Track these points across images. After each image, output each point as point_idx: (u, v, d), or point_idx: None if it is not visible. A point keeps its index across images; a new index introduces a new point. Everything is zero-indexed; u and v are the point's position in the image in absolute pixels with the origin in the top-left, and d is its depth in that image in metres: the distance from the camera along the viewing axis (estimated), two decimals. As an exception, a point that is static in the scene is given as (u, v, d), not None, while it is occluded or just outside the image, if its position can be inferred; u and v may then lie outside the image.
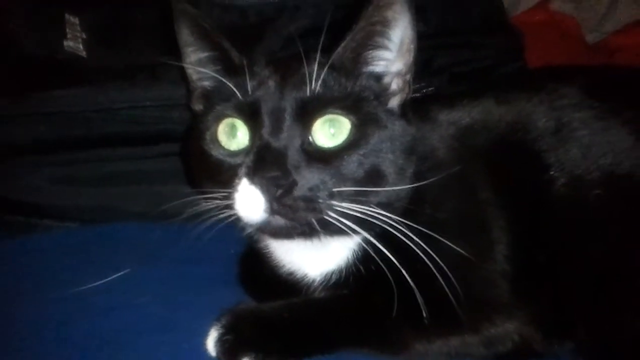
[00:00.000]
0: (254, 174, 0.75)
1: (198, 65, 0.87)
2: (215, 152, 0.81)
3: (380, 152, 0.79)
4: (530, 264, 0.85)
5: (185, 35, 0.86)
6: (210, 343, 0.77)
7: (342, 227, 0.76)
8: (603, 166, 0.85)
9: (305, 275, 0.88)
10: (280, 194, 0.73)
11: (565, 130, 0.88)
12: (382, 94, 0.83)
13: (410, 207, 0.82)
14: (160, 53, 1.02)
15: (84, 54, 1.16)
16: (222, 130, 0.82)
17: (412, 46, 0.83)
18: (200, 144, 0.83)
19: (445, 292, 0.77)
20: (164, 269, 0.95)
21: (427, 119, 0.92)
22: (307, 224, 0.76)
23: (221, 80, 0.82)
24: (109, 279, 0.90)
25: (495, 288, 0.84)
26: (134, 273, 0.92)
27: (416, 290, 0.75)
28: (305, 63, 0.80)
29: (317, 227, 0.76)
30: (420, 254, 0.75)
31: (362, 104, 0.81)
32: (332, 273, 0.85)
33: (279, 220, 0.75)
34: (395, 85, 0.85)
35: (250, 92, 0.80)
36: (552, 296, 0.85)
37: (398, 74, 0.84)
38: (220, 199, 0.79)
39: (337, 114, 0.78)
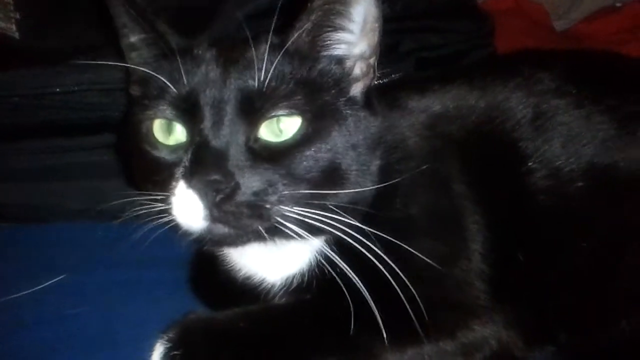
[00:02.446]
0: (191, 177, 0.68)
1: (132, 49, 0.80)
2: (151, 149, 0.74)
3: (339, 148, 0.72)
4: (509, 263, 0.81)
5: (118, 16, 0.79)
6: (156, 359, 0.72)
7: (293, 234, 0.70)
8: (585, 157, 0.82)
9: (264, 279, 0.82)
10: (220, 200, 0.67)
11: (543, 118, 0.84)
12: (344, 80, 0.76)
13: (377, 204, 0.76)
14: (101, 34, 0.95)
15: (16, 35, 1.09)
16: (157, 128, 0.74)
17: (376, 25, 0.75)
18: (136, 139, 0.76)
19: (415, 297, 0.71)
20: (104, 274, 0.91)
21: (395, 106, 0.86)
22: (253, 231, 0.70)
23: (159, 64, 0.76)
24: (41, 286, 0.85)
25: (471, 290, 0.80)
26: (70, 279, 0.87)
27: (383, 297, 0.70)
28: (253, 47, 0.72)
29: (265, 235, 0.70)
30: (386, 257, 0.70)
31: (318, 95, 0.73)
32: (294, 277, 0.79)
33: (221, 229, 0.69)
34: (358, 69, 0.77)
35: (186, 82, 0.72)
36: (532, 297, 0.81)
37: (361, 57, 0.77)
38: (158, 202, 0.71)
39: (288, 112, 0.71)
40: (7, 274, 0.90)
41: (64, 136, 1.02)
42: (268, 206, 0.68)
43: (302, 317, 0.76)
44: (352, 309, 0.71)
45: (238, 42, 0.76)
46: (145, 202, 0.73)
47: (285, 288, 0.80)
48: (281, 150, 0.70)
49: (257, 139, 0.70)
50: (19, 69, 1.00)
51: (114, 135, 1.00)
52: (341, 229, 0.70)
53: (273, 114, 0.70)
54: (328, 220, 0.69)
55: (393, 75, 1.03)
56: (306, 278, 0.78)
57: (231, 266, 0.84)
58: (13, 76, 0.99)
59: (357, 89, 0.77)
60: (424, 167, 0.80)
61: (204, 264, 0.89)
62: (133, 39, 0.79)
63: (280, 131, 0.70)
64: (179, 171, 0.69)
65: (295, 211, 0.69)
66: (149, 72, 0.75)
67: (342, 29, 0.74)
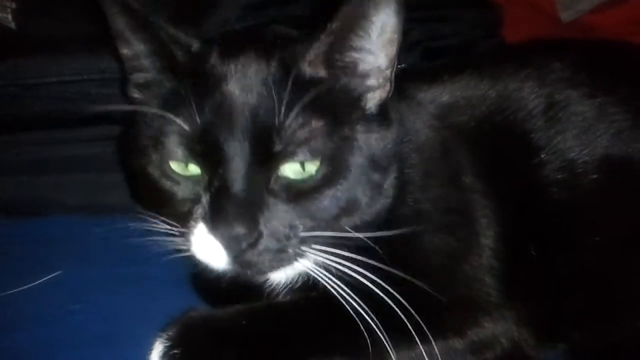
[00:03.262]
0: (214, 227, 0.66)
1: (132, 59, 0.75)
2: (164, 180, 0.70)
3: (357, 181, 0.70)
4: (520, 258, 0.79)
5: (116, 24, 0.73)
6: (155, 358, 0.70)
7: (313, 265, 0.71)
8: (599, 149, 0.81)
9: (268, 277, 0.79)
10: (244, 249, 0.66)
11: (556, 108, 0.83)
12: (362, 97, 0.72)
13: (392, 204, 0.75)
14: (99, 23, 0.87)
15: (12, 24, 1.05)
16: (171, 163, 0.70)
17: (395, 36, 0.70)
18: (143, 164, 0.72)
19: (426, 294, 0.70)
20: (102, 270, 0.87)
21: (403, 97, 0.84)
22: (273, 268, 0.70)
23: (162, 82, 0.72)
24: (37, 282, 0.83)
25: (481, 286, 0.78)
26: (67, 275, 0.85)
27: (390, 294, 0.68)
28: (269, 67, 0.68)
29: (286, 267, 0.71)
30: (396, 254, 0.70)
31: (337, 124, 0.69)
32: (299, 275, 0.77)
33: (243, 271, 0.70)
34: (374, 82, 0.73)
35: (199, 120, 0.67)
36: (545, 294, 0.79)
37: (378, 69, 0.72)
38: (175, 232, 0.71)
39: (310, 157, 0.67)
40: (2, 270, 0.88)
41: (61, 128, 0.99)
42: (290, 250, 0.68)
43: (307, 314, 0.74)
44: (358, 306, 0.69)
45: (252, 51, 0.71)
46: (160, 228, 0.72)
47: (290, 286, 0.77)
48: (301, 190, 0.68)
49: (277, 178, 0.67)
50: (14, 59, 0.97)
51: (112, 127, 0.97)
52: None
53: (295, 159, 0.67)
54: (345, 254, 0.69)
55: (400, 66, 1.00)
56: (312, 276, 0.75)
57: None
58: (9, 66, 0.96)
59: (372, 103, 0.73)
60: (435, 159, 0.78)
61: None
62: (134, 49, 0.74)
63: (301, 170, 0.68)
64: (198, 211, 0.67)
65: (315, 249, 0.69)
66: (161, 113, 0.69)
67: (362, 47, 0.70)
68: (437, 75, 0.87)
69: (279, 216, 0.67)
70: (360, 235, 0.70)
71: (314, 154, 0.67)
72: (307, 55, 0.68)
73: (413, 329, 0.70)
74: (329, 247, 0.69)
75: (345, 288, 0.68)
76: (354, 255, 0.69)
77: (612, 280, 0.79)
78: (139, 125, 0.73)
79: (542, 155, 0.81)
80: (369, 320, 0.70)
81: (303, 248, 0.68)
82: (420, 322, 0.70)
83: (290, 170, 0.67)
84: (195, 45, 0.72)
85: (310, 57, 0.68)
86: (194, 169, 0.69)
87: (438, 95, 0.85)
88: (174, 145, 0.68)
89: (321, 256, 0.69)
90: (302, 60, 0.68)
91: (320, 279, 0.70)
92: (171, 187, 0.70)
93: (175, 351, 0.69)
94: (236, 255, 0.66)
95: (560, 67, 0.85)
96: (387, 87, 0.73)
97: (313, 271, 0.71)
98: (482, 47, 1.19)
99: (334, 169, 0.68)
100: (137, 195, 0.80)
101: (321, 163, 0.68)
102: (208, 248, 0.67)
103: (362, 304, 0.68)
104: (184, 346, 0.69)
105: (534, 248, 0.79)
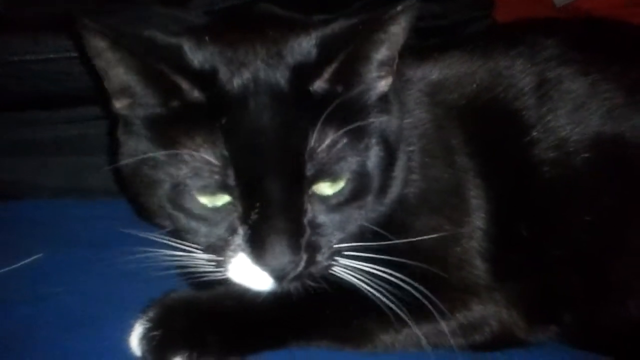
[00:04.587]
0: (260, 259, 0.65)
1: (125, 96, 0.68)
2: (186, 214, 0.67)
3: (378, 178, 0.70)
4: (511, 239, 0.78)
5: (119, 77, 0.66)
6: (135, 340, 0.69)
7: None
8: (591, 127, 0.79)
9: None
10: (289, 272, 0.66)
11: (548, 86, 0.81)
12: (370, 96, 0.70)
13: None
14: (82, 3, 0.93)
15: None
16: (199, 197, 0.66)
17: (404, 38, 0.68)
18: (160, 199, 0.67)
19: (415, 277, 0.69)
20: (83, 253, 0.85)
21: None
22: (312, 279, 0.70)
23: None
24: (17, 265, 0.81)
25: (471, 268, 0.77)
26: (47, 258, 0.83)
27: (379, 276, 0.68)
28: (285, 86, 0.65)
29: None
30: (390, 237, 0.69)
31: (357, 135, 0.67)
32: None
33: (284, 287, 0.69)
34: (383, 82, 0.71)
35: (227, 153, 0.63)
36: (535, 275, 0.78)
37: (387, 69, 0.71)
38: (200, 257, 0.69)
39: (341, 175, 0.67)
40: (-19, 253, 0.86)
41: (42, 109, 0.97)
42: (326, 264, 0.68)
43: (292, 295, 0.72)
44: (346, 287, 0.69)
45: (259, 64, 0.65)
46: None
47: None
48: (331, 205, 0.68)
49: (309, 198, 0.66)
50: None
51: (95, 107, 0.95)
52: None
53: (326, 179, 0.66)
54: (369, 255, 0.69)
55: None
56: None
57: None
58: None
59: (376, 95, 0.71)
60: (428, 136, 0.77)
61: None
62: (140, 93, 0.66)
63: (330, 187, 0.67)
64: (236, 242, 0.66)
65: (343, 263, 0.69)
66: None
67: (376, 58, 0.68)
68: (426, 53, 0.85)
69: (315, 235, 0.67)
70: (378, 229, 0.70)
71: (342, 170, 0.66)
72: (324, 73, 0.65)
73: (401, 311, 0.70)
74: (353, 251, 0.69)
75: (342, 273, 0.69)
76: (373, 256, 0.69)
77: (603, 260, 0.78)
78: (151, 161, 0.67)
79: (534, 134, 0.79)
80: (356, 303, 0.70)
81: (335, 258, 0.69)
82: (407, 303, 0.69)
83: (320, 188, 0.67)
84: (193, 57, 0.66)
85: (328, 74, 0.66)
86: (222, 201, 0.66)
87: (428, 73, 0.83)
88: (201, 179, 0.64)
89: (349, 263, 0.69)
90: (320, 78, 0.66)
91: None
92: (196, 222, 0.67)
93: (155, 333, 0.67)
94: (281, 279, 0.66)
95: (551, 44, 0.83)
96: (390, 78, 0.72)
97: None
98: (473, 29, 1.17)
99: (360, 179, 0.68)
100: (141, 212, 0.76)
101: (349, 176, 0.67)
102: (251, 276, 0.66)
103: (350, 287, 0.68)
104: (164, 328, 0.68)
105: (524, 228, 0.78)
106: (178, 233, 0.70)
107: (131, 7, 0.99)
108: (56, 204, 0.95)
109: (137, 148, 0.68)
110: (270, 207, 0.64)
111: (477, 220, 0.77)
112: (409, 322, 0.73)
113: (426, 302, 0.69)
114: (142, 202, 0.71)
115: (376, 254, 0.69)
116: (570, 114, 0.79)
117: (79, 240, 0.87)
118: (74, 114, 0.98)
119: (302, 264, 0.66)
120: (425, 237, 0.72)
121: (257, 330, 0.70)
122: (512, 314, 0.77)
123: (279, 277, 0.66)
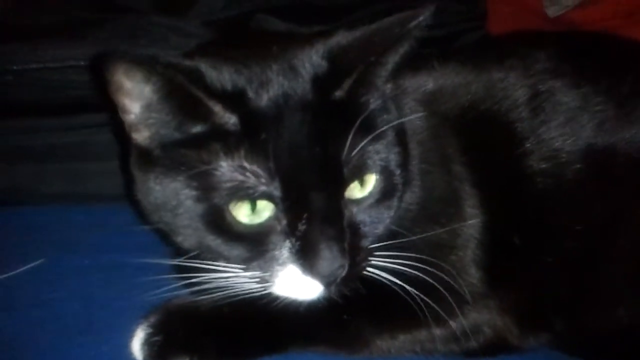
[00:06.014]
0: (313, 270, 0.65)
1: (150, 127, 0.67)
2: (223, 237, 0.67)
3: (399, 176, 0.71)
4: (504, 247, 0.79)
5: (144, 108, 0.65)
6: (136, 345, 0.70)
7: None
8: (582, 138, 0.80)
9: None
10: (338, 279, 0.67)
11: (540, 98, 0.82)
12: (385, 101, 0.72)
13: None
14: (81, 10, 0.96)
15: None
16: (237, 210, 0.65)
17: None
18: (188, 218, 0.66)
19: (409, 281, 0.70)
20: (84, 258, 0.86)
21: None
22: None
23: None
24: (18, 270, 0.82)
25: (465, 276, 0.78)
26: (48, 264, 0.84)
27: (375, 283, 0.69)
28: (313, 97, 0.65)
29: None
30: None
31: (380, 135, 0.69)
32: None
33: (329, 293, 0.69)
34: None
35: (274, 167, 0.64)
36: (528, 283, 0.79)
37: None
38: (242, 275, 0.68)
39: (372, 172, 0.68)
40: (-17, 259, 0.86)
41: (42, 116, 0.97)
42: (364, 265, 0.69)
43: (291, 302, 0.72)
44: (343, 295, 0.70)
45: (283, 81, 0.66)
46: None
47: None
48: (363, 208, 0.69)
49: (344, 203, 0.67)
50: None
51: (94, 115, 0.95)
52: None
53: (361, 178, 0.68)
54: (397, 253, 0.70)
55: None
56: None
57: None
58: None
59: (388, 96, 0.73)
60: (425, 144, 0.78)
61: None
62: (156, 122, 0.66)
63: (361, 188, 0.68)
64: (284, 255, 0.65)
65: (375, 262, 0.70)
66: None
67: (391, 64, 0.69)
68: (422, 63, 0.86)
69: (354, 238, 0.67)
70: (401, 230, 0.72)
71: (371, 171, 0.68)
72: (343, 83, 0.66)
73: (395, 317, 0.72)
74: (381, 250, 0.70)
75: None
76: (397, 253, 0.70)
77: (594, 269, 0.79)
78: (182, 189, 0.66)
79: (527, 145, 0.80)
80: (352, 309, 0.72)
81: (366, 263, 0.69)
82: (403, 310, 0.71)
83: (352, 191, 0.68)
84: (214, 79, 0.65)
85: (347, 85, 0.66)
86: (264, 217, 0.65)
87: (422, 83, 0.84)
88: (244, 192, 0.64)
89: (380, 261, 0.70)
90: (340, 88, 0.66)
91: None
92: (235, 241, 0.66)
93: (157, 338, 0.68)
94: (330, 284, 0.66)
95: (544, 57, 0.85)
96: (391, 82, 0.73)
97: None
98: (466, 40, 1.19)
99: (387, 178, 0.69)
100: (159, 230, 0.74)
101: (377, 177, 0.68)
102: (300, 286, 0.66)
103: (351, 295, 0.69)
104: (165, 333, 0.69)
105: (517, 237, 0.79)
106: (210, 255, 0.68)
107: (130, 17, 1.00)
108: (57, 210, 0.95)
109: (162, 180, 0.67)
110: (318, 216, 0.64)
111: (472, 229, 0.78)
112: (404, 328, 0.75)
113: (421, 309, 0.70)
114: (167, 230, 0.70)
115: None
116: (563, 126, 0.80)
117: (80, 246, 0.88)
118: (74, 121, 0.98)
119: (347, 267, 0.66)
120: (421, 245, 0.73)
121: (256, 336, 0.71)
122: (506, 321, 0.78)
123: (329, 283, 0.66)
